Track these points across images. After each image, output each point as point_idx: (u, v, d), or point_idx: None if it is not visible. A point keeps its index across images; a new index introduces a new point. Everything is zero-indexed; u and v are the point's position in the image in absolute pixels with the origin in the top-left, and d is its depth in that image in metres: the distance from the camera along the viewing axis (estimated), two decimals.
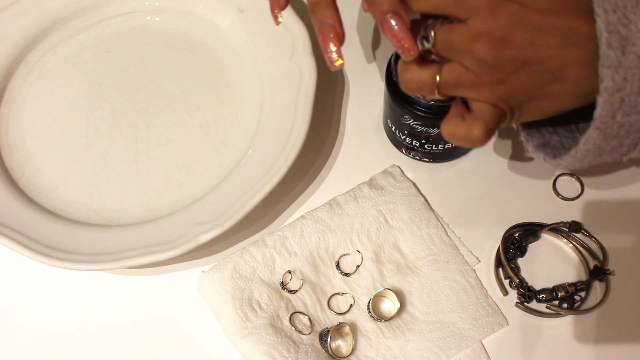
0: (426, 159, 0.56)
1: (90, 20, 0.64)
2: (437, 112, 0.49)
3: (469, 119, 0.41)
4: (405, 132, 0.53)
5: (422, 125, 0.51)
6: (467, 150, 0.56)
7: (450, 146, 0.53)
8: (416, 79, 0.40)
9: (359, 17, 0.65)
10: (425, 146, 0.53)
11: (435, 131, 0.51)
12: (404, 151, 0.56)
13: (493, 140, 0.57)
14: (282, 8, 0.44)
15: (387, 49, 0.62)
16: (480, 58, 0.38)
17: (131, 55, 0.63)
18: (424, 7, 0.39)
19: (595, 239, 0.52)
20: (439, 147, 0.53)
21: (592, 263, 0.51)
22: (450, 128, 0.42)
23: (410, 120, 0.51)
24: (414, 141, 0.54)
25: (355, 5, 0.65)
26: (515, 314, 0.50)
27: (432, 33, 0.38)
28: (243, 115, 0.59)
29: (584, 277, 0.51)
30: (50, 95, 0.61)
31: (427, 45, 0.39)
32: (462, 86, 0.40)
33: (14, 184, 0.56)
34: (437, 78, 0.40)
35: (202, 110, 0.59)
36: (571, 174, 0.55)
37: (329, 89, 0.61)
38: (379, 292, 0.49)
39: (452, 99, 0.44)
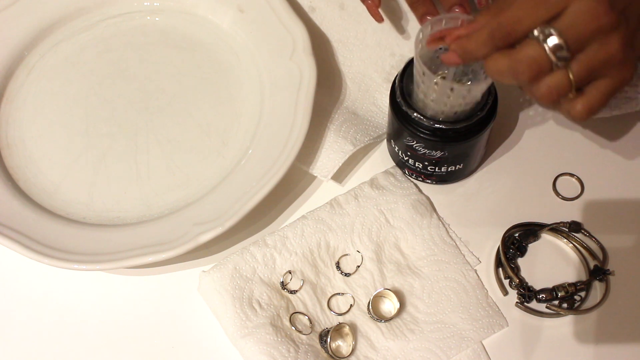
0: (429, 181, 0.55)
1: (90, 20, 0.64)
2: (440, 136, 0.49)
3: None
4: (409, 153, 0.52)
5: (425, 147, 0.50)
6: (471, 172, 0.56)
7: (453, 169, 0.53)
8: (554, 86, 0.40)
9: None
10: (429, 168, 0.53)
11: (438, 154, 0.50)
12: (406, 172, 0.55)
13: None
14: (378, 5, 0.55)
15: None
16: (611, 27, 0.39)
17: (131, 55, 0.63)
18: (526, 25, 0.39)
19: (595, 239, 0.52)
20: (442, 170, 0.53)
21: (592, 263, 0.51)
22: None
23: (413, 142, 0.50)
24: (417, 163, 0.53)
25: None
26: (515, 314, 0.50)
27: (553, 31, 0.39)
28: (243, 115, 0.59)
29: (584, 277, 0.51)
30: (50, 95, 0.61)
31: (555, 42, 0.39)
32: (598, 66, 0.40)
33: (14, 184, 0.56)
34: (570, 76, 0.40)
35: (202, 110, 0.59)
36: (571, 174, 0.55)
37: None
38: (379, 292, 0.49)
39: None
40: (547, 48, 0.39)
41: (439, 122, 0.48)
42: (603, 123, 0.57)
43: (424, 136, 0.49)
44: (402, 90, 0.49)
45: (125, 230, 0.53)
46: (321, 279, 0.51)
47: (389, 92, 0.52)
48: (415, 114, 0.48)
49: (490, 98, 0.49)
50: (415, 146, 0.50)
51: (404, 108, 0.49)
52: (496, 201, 0.55)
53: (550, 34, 0.39)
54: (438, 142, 0.49)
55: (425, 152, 0.51)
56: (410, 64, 0.49)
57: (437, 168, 0.52)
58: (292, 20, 0.59)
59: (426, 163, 0.52)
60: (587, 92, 0.41)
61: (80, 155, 0.57)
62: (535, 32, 0.39)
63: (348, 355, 0.48)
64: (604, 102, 0.41)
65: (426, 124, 0.48)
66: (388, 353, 0.48)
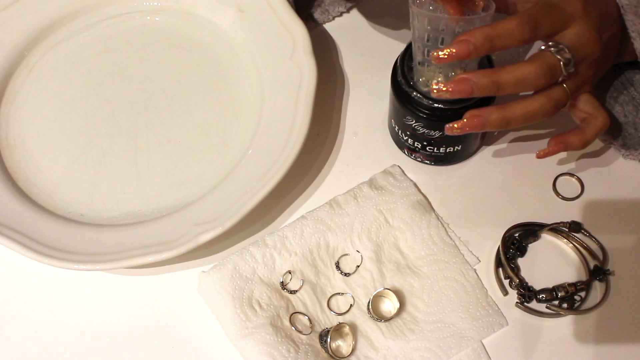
0: (428, 162, 0.56)
1: (90, 20, 0.64)
2: (439, 115, 0.49)
3: (594, 112, 0.48)
4: (408, 133, 0.53)
5: (424, 127, 0.51)
6: (469, 155, 0.56)
7: (452, 150, 0.53)
8: (557, 98, 0.46)
9: (357, 17, 0.65)
10: (427, 148, 0.53)
11: (437, 134, 0.51)
12: (406, 152, 0.56)
13: (495, 142, 0.57)
14: None
15: (388, 50, 0.62)
16: (597, 55, 0.46)
17: (131, 55, 0.63)
18: (540, 35, 0.44)
19: (595, 239, 0.52)
20: (441, 150, 0.53)
21: (592, 263, 0.51)
22: (593, 135, 0.48)
23: (412, 121, 0.51)
24: (416, 142, 0.53)
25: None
26: (515, 314, 0.50)
27: (565, 47, 0.45)
28: (243, 115, 0.59)
29: (584, 277, 0.51)
30: (50, 95, 0.61)
31: (567, 56, 0.45)
32: (584, 83, 0.47)
33: (14, 184, 0.56)
34: (567, 89, 0.46)
35: (202, 110, 0.59)
36: (571, 174, 0.55)
37: (329, 89, 0.61)
38: (379, 292, 0.49)
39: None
40: (561, 60, 0.44)
41: (438, 102, 0.49)
42: None
43: (423, 116, 0.50)
44: (404, 70, 0.50)
45: (125, 230, 0.53)
46: (321, 279, 0.51)
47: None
48: (415, 93, 0.49)
49: None
50: (415, 125, 0.51)
51: (404, 87, 0.50)
52: (496, 201, 0.55)
53: (563, 50, 0.44)
54: (437, 122, 0.50)
55: (424, 132, 0.51)
56: (411, 45, 0.50)
57: (435, 148, 0.53)
58: (292, 20, 0.59)
59: (425, 143, 0.53)
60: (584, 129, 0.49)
61: (80, 155, 0.57)
62: (550, 44, 0.45)
63: (348, 355, 0.48)
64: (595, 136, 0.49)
65: (426, 103, 0.49)
66: (388, 353, 0.48)
